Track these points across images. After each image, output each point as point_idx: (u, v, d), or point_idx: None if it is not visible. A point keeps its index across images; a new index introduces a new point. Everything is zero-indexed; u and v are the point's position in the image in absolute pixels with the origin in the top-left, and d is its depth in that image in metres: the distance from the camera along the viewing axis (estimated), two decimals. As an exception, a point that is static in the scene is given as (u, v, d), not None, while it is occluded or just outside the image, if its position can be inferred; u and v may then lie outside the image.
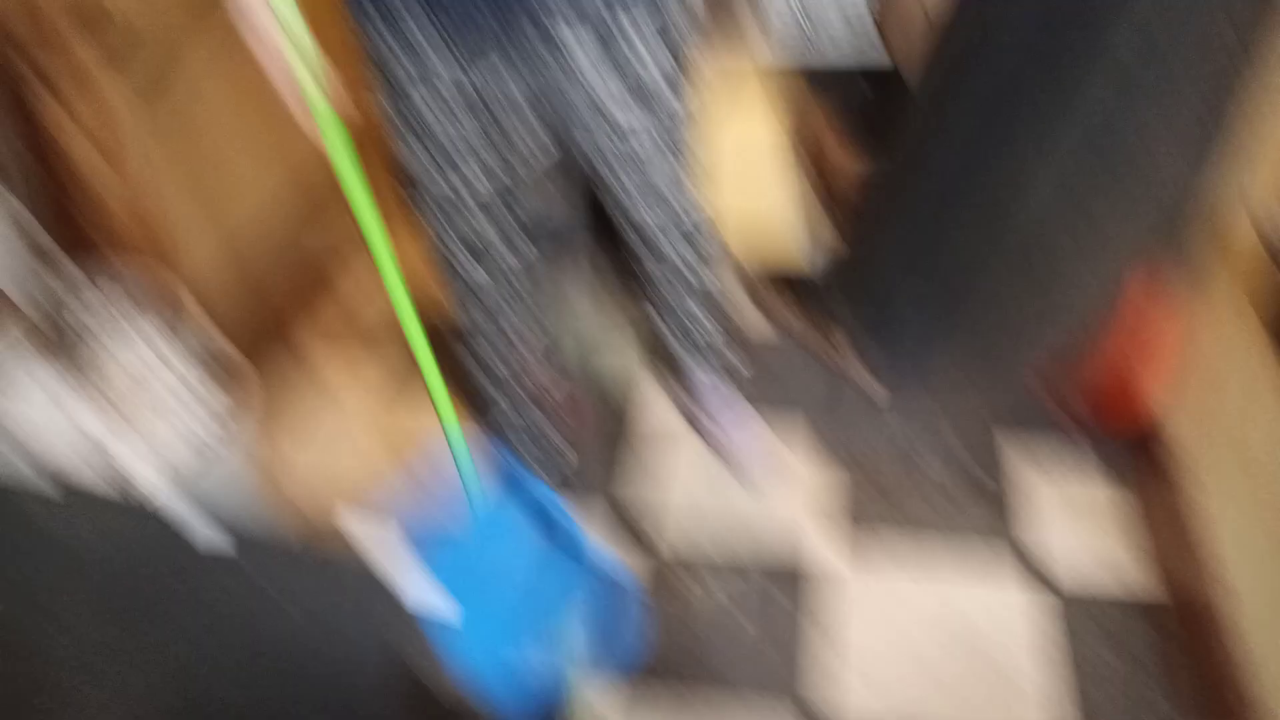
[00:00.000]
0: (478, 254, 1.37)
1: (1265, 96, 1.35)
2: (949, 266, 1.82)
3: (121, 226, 1.48)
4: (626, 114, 1.25)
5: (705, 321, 1.63)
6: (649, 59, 1.21)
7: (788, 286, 2.09)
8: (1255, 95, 1.36)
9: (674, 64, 1.24)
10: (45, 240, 1.27)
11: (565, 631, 1.38)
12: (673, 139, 1.31)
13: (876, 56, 1.92)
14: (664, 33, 1.21)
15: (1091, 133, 1.60)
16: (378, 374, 2.01)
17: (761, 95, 2.04)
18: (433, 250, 1.40)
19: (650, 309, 1.63)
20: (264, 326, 2.10)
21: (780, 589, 1.60)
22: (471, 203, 1.31)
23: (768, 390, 1.93)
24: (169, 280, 1.54)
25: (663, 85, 1.25)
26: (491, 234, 1.35)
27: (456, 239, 1.35)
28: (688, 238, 1.46)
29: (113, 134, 1.45)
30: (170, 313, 1.46)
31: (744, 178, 2.08)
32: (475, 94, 1.20)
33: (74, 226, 1.40)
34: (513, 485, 1.44)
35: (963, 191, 1.74)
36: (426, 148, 1.24)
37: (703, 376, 1.74)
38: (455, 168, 1.26)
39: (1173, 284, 1.55)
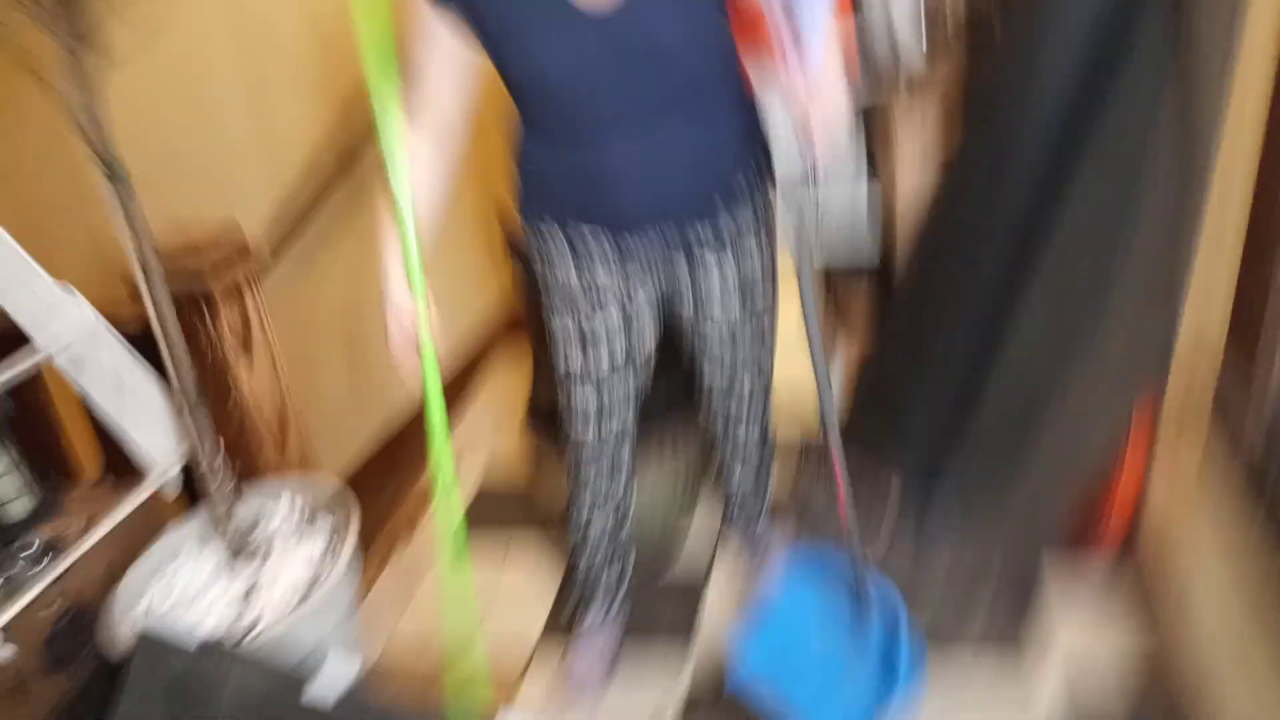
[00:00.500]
0: (588, 420, 1.68)
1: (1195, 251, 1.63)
2: (952, 411, 2.09)
3: (265, 420, 1.85)
4: (729, 306, 1.61)
5: (757, 482, 1.93)
6: (757, 262, 1.59)
7: (813, 449, 2.39)
8: (1188, 250, 1.65)
9: (771, 262, 1.62)
10: (211, 442, 1.62)
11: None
12: (761, 325, 1.66)
13: (873, 259, 2.26)
14: (766, 240, 1.59)
15: (1062, 292, 1.89)
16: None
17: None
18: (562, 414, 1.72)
19: (717, 470, 1.94)
20: (366, 468, 2.45)
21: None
22: (595, 377, 1.62)
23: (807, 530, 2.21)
24: (300, 453, 1.90)
25: (759, 281, 1.61)
26: (606, 401, 1.66)
27: (575, 406, 1.67)
28: (754, 399, 1.77)
29: (251, 338, 1.84)
30: (299, 476, 1.80)
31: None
32: (621, 292, 1.55)
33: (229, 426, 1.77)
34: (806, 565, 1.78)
35: (960, 357, 2.03)
36: (578, 333, 1.58)
37: (751, 529, 2.02)
38: (595, 348, 1.59)
39: (1144, 411, 1.82)
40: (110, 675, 1.58)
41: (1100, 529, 1.96)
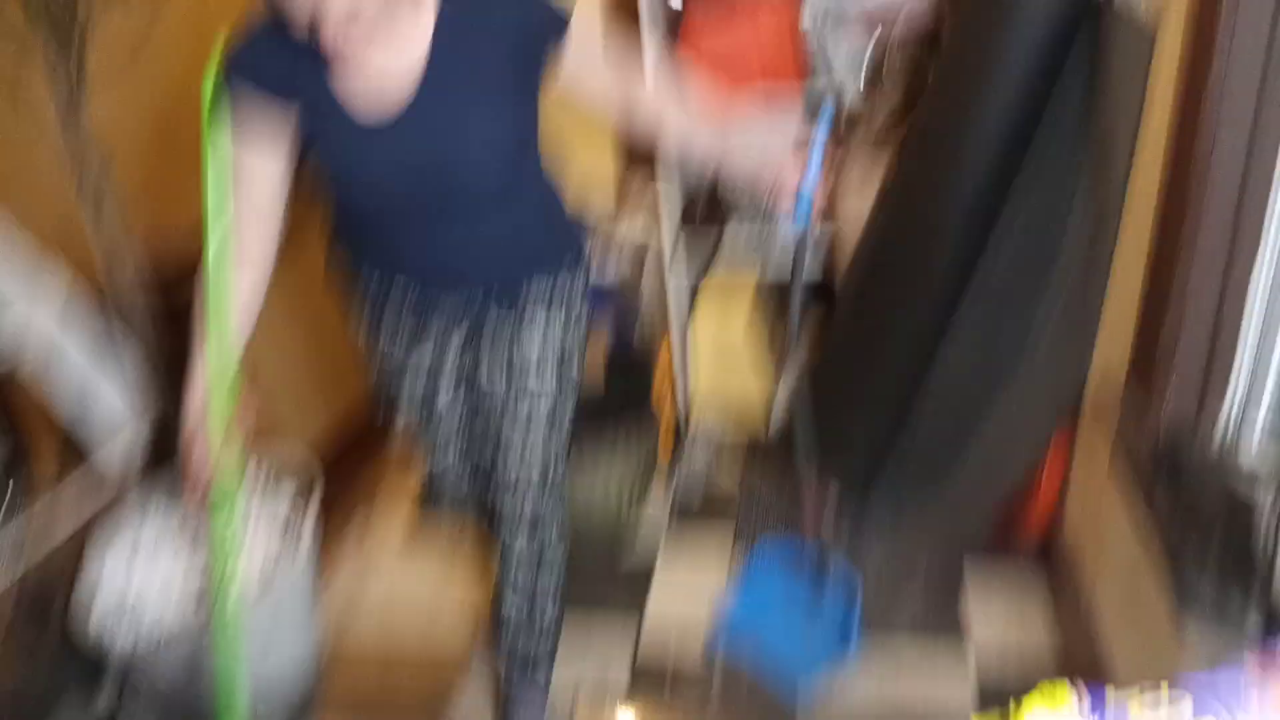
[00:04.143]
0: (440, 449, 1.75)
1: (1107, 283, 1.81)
2: (888, 423, 2.23)
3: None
4: (540, 380, 1.59)
5: (549, 600, 1.73)
6: (574, 337, 1.60)
7: (757, 451, 2.51)
8: (1101, 286, 1.82)
9: (582, 344, 1.64)
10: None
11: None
12: (562, 409, 1.62)
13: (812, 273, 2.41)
14: (580, 320, 1.62)
15: (991, 321, 2.06)
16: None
17: (734, 299, 2.54)
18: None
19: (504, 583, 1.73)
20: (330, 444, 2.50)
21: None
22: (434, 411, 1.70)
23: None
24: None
25: (574, 359, 1.62)
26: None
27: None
28: (550, 492, 1.66)
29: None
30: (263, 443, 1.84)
31: (721, 363, 2.56)
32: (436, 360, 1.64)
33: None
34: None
35: (895, 373, 2.18)
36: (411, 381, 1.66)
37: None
38: (429, 393, 1.67)
39: (1060, 431, 1.98)
40: (69, 659, 1.63)
41: (1019, 535, 2.11)
